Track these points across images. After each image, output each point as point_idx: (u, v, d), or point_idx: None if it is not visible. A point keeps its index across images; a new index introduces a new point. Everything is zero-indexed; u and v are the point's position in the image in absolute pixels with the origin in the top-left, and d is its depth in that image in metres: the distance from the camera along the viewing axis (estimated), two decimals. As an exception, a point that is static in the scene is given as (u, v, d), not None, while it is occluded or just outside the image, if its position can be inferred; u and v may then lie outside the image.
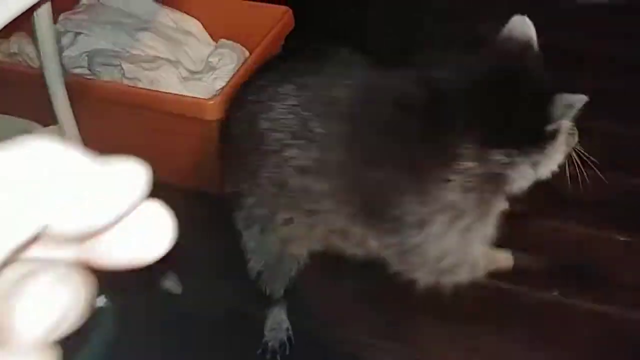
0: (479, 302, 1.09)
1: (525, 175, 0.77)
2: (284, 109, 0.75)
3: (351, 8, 1.91)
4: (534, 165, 0.77)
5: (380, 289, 1.11)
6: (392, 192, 0.75)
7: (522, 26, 0.80)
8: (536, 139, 0.74)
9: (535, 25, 0.89)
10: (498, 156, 0.73)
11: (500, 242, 1.19)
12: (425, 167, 0.74)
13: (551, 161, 0.79)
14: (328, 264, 1.14)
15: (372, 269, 1.14)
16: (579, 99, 0.74)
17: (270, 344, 1.01)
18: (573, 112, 0.74)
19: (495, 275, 1.13)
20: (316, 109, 0.74)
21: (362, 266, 1.15)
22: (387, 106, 0.74)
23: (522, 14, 0.99)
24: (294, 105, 0.75)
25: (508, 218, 1.21)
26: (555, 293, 1.10)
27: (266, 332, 1.02)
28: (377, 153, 0.75)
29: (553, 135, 0.75)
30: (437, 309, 1.07)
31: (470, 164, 0.73)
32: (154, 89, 1.12)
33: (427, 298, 1.09)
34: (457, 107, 0.73)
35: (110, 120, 1.16)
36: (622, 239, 1.19)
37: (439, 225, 0.75)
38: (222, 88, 1.09)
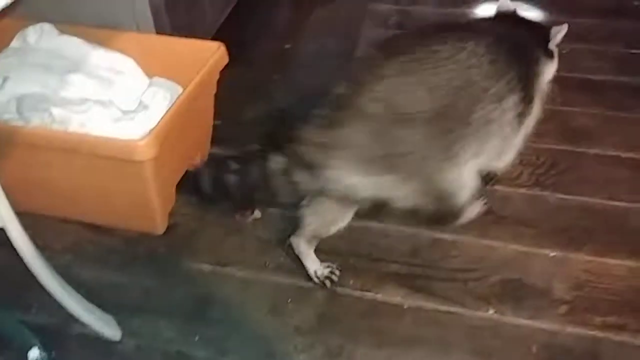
0: (416, 325, 1.11)
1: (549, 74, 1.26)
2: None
3: (281, 41, 1.96)
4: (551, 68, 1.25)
5: (316, 321, 1.12)
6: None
7: (507, 4, 1.29)
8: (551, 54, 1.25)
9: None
10: (549, 63, 1.24)
11: (433, 262, 1.24)
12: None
13: (553, 69, 1.26)
14: (264, 297, 1.15)
15: (309, 303, 1.15)
16: (563, 27, 1.20)
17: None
18: (561, 35, 1.21)
19: (430, 297, 1.16)
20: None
21: (298, 300, 1.16)
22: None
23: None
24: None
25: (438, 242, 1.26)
26: (491, 312, 1.13)
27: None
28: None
29: (553, 53, 1.25)
30: (374, 335, 1.09)
31: (543, 66, 1.23)
32: (84, 132, 1.11)
33: (364, 325, 1.11)
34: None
35: (41, 165, 1.14)
36: (552, 254, 1.23)
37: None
38: (152, 130, 1.09)
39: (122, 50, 1.32)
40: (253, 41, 1.95)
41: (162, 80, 1.28)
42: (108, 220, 1.24)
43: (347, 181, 1.03)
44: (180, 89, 1.27)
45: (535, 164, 1.46)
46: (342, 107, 1.03)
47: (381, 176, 1.04)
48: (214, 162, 1.20)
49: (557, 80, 1.71)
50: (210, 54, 1.29)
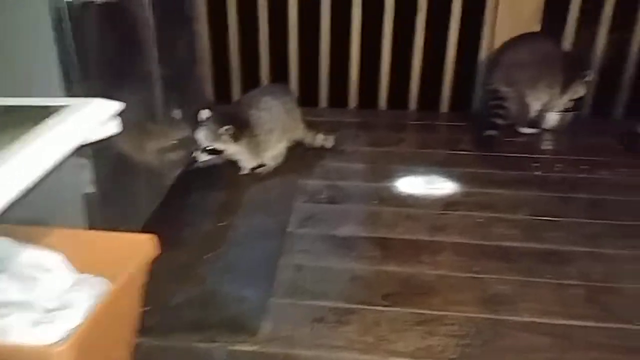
0: None
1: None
2: None
3: (215, 219, 2.05)
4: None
5: None
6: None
7: None
8: None
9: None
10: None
11: None
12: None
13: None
14: None
15: None
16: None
17: None
18: None
19: None
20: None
21: None
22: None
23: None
24: None
25: None
26: None
27: None
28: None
29: None
30: None
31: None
32: (2, 337, 1.10)
33: None
34: None
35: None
36: None
37: None
38: (72, 332, 1.09)
39: (52, 247, 1.35)
40: (186, 222, 2.04)
41: (89, 276, 1.30)
42: None
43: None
44: (108, 284, 1.29)
45: (460, 335, 1.52)
46: None
47: None
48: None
49: (472, 247, 1.87)
50: (140, 248, 1.33)
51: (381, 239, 1.95)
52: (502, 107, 2.56)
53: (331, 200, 2.21)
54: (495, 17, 2.73)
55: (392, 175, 2.36)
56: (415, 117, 2.98)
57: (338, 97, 3.03)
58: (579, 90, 2.65)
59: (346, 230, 2.00)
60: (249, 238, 1.96)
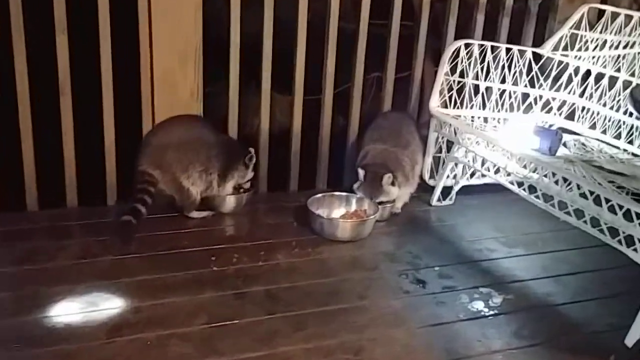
0: None
1: None
2: None
3: None
4: None
5: None
6: None
7: None
8: None
9: None
10: None
11: None
12: None
13: None
14: None
15: None
16: None
17: None
18: None
19: None
20: None
21: None
22: None
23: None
24: None
25: None
26: None
27: None
28: None
29: None
30: None
31: None
32: None
33: None
34: None
35: None
36: None
37: None
38: None
39: None
40: None
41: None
42: None
43: None
44: None
45: None
46: None
47: None
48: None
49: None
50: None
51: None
52: (147, 191, 2.30)
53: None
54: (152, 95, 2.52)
55: (43, 302, 1.88)
56: (79, 216, 2.52)
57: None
58: (243, 175, 2.58)
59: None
60: None
